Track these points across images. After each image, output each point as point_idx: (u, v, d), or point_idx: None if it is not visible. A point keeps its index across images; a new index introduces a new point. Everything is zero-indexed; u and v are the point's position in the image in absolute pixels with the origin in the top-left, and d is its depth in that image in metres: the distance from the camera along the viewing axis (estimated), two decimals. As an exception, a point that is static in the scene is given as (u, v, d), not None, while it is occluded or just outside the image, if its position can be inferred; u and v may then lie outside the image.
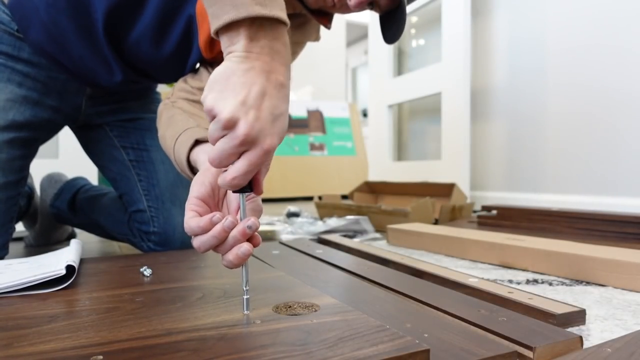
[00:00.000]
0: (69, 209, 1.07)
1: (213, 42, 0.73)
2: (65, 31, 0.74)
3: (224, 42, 0.43)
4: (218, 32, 0.42)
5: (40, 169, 1.38)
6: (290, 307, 0.47)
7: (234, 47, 0.42)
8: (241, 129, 0.39)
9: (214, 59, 0.77)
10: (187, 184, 0.90)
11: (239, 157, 0.41)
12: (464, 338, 0.42)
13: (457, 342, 0.41)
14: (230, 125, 0.39)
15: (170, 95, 0.77)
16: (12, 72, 0.76)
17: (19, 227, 1.23)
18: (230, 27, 0.41)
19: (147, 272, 0.61)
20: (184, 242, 0.86)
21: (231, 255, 0.42)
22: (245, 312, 0.44)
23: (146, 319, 0.42)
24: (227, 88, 0.40)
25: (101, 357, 0.33)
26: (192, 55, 0.76)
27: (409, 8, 2.12)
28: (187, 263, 0.70)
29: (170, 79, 0.84)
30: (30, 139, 0.78)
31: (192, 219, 0.43)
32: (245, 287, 0.44)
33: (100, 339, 0.37)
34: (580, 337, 0.43)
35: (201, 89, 0.75)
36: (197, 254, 0.77)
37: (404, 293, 0.59)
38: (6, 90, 0.75)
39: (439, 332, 0.44)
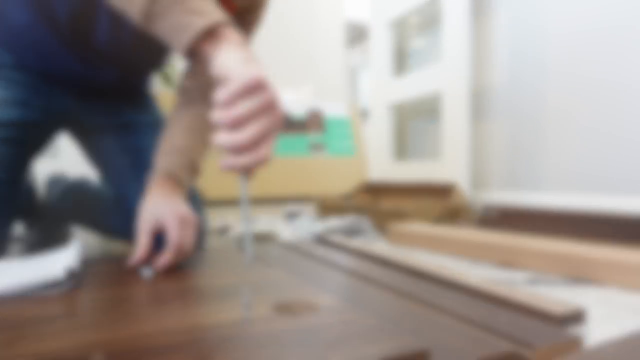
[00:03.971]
0: (71, 209, 1.07)
1: None
2: (47, 46, 0.76)
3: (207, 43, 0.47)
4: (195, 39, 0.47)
5: (40, 168, 1.38)
6: (290, 307, 0.47)
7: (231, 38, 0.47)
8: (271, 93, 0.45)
9: None
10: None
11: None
12: (463, 338, 0.42)
13: (456, 342, 0.41)
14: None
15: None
16: None
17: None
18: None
19: (147, 271, 0.61)
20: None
21: None
22: (245, 312, 0.44)
23: (146, 317, 0.42)
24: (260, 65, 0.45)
25: (100, 356, 0.33)
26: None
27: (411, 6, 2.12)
28: (187, 262, 0.70)
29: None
30: (22, 138, 0.79)
31: None
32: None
33: (100, 339, 0.37)
34: (580, 338, 0.43)
35: None
36: (196, 253, 0.77)
37: (403, 293, 0.59)
38: None
39: (438, 332, 0.44)
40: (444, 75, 1.85)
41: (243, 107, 0.42)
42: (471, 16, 1.85)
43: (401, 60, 2.38)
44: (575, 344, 0.43)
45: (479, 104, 1.91)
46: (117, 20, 0.74)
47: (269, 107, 0.44)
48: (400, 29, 2.40)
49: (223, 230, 1.47)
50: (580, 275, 0.74)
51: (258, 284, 0.55)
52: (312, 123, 3.39)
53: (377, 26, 2.35)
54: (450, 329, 0.44)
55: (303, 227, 1.39)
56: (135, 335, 0.38)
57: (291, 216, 1.62)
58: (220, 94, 0.43)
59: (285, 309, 0.46)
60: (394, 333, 0.38)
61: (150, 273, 0.61)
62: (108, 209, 0.99)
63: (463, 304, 0.54)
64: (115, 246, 1.18)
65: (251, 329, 0.39)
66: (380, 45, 2.32)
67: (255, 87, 0.42)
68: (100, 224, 1.02)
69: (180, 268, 0.66)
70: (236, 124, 0.42)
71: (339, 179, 3.16)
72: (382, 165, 2.32)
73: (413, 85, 2.09)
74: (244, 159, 0.43)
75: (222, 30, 0.47)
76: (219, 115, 0.43)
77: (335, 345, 0.36)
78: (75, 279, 0.55)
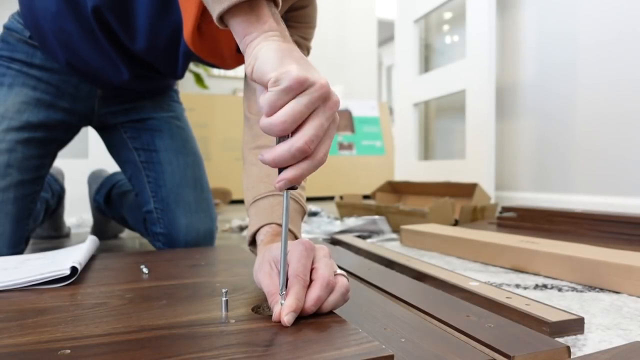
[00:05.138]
0: (104, 203, 1.13)
1: (201, 34, 0.70)
2: (72, 36, 0.76)
3: (240, 23, 0.41)
4: (228, 13, 0.41)
5: (71, 168, 1.45)
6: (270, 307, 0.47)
7: (267, 27, 0.42)
8: (334, 97, 0.40)
9: (204, 53, 0.73)
10: (191, 184, 0.92)
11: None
12: (441, 344, 0.41)
13: (432, 348, 0.40)
14: (328, 93, 0.39)
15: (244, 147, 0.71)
16: (26, 77, 0.80)
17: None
18: (243, 8, 0.41)
19: (145, 269, 0.63)
20: (187, 243, 0.88)
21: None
22: (222, 312, 0.45)
23: (126, 315, 0.44)
24: (299, 61, 0.39)
25: (68, 351, 0.35)
26: (181, 46, 0.76)
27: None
28: (188, 261, 0.71)
29: (168, 70, 0.83)
30: (45, 139, 0.82)
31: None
32: (282, 291, 0.42)
33: (76, 334, 0.38)
34: (568, 347, 0.41)
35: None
36: (201, 252, 0.79)
37: (395, 295, 0.58)
38: (21, 94, 0.79)
39: (418, 337, 0.43)
40: (468, 72, 1.81)
41: (288, 112, 0.37)
42: (496, 11, 1.80)
43: (428, 58, 2.34)
44: (561, 353, 0.41)
45: (505, 102, 1.85)
46: (157, 22, 0.73)
47: (320, 104, 0.39)
48: (426, 25, 2.35)
49: (242, 228, 1.49)
50: (593, 281, 0.70)
51: (247, 284, 0.56)
52: (341, 122, 3.38)
53: (403, 23, 2.31)
54: (431, 334, 0.43)
55: (321, 226, 1.39)
56: (109, 331, 0.39)
57: (311, 215, 1.62)
58: (262, 101, 0.38)
59: (267, 308, 0.46)
60: (362, 337, 0.37)
61: (147, 270, 0.63)
62: (130, 205, 1.03)
63: (453, 309, 0.52)
64: (135, 242, 1.22)
65: (222, 328, 0.40)
66: (406, 42, 2.29)
67: (298, 89, 0.37)
68: (125, 219, 1.07)
69: (183, 265, 0.67)
70: (288, 129, 0.37)
71: (367, 179, 3.14)
72: (408, 164, 2.28)
73: (437, 83, 2.04)
74: (303, 165, 0.39)
75: (261, 8, 0.42)
76: (266, 123, 0.38)
77: (298, 347, 0.35)
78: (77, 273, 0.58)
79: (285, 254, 0.42)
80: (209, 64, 0.79)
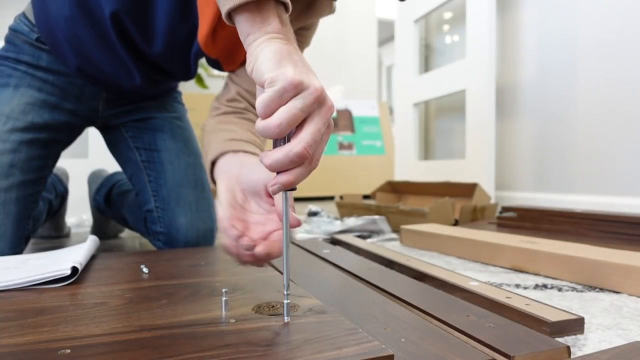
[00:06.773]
0: (104, 203, 1.13)
1: (215, 37, 0.71)
2: (85, 41, 0.77)
3: (245, 22, 0.42)
4: (235, 11, 0.42)
5: (71, 168, 1.45)
6: (273, 306, 0.47)
7: (270, 28, 0.42)
8: (329, 101, 0.40)
9: (216, 55, 0.74)
10: (192, 184, 0.92)
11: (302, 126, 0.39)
12: (441, 344, 0.41)
13: (432, 348, 0.40)
14: (323, 97, 0.39)
15: (204, 125, 0.77)
16: (32, 79, 0.80)
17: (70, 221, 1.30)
18: (249, 7, 0.41)
19: (145, 269, 0.63)
20: (187, 242, 0.88)
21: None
22: (224, 312, 0.45)
23: (127, 315, 0.44)
24: (297, 64, 0.39)
25: (69, 351, 0.35)
26: (193, 47, 0.76)
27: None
28: (188, 261, 0.71)
29: (181, 71, 0.83)
30: (49, 140, 0.82)
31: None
32: (286, 291, 0.42)
33: (76, 334, 0.38)
34: (568, 347, 0.41)
35: (231, 100, 0.76)
36: (201, 252, 0.79)
37: (395, 295, 0.58)
38: (26, 95, 0.79)
39: (418, 336, 0.43)
40: (468, 72, 1.81)
41: (283, 116, 0.37)
42: (496, 11, 1.80)
43: (428, 57, 2.34)
44: (561, 353, 0.41)
45: (506, 102, 1.85)
46: (175, 25, 0.73)
47: (316, 108, 0.39)
48: (426, 25, 2.35)
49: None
50: (593, 281, 0.71)
51: (248, 283, 0.56)
52: (341, 122, 3.39)
53: (403, 23, 2.31)
54: (431, 334, 0.43)
55: (321, 226, 1.39)
56: (109, 331, 0.39)
57: (311, 215, 1.62)
58: (257, 102, 0.38)
59: (268, 308, 0.46)
60: (363, 337, 0.37)
61: (147, 270, 0.63)
62: (130, 204, 1.04)
63: (453, 309, 0.52)
64: (135, 242, 1.22)
65: (222, 328, 0.40)
66: (406, 42, 2.29)
67: (291, 91, 0.37)
68: (125, 219, 1.07)
69: (183, 265, 0.67)
70: (283, 132, 0.37)
71: (367, 179, 3.14)
72: (408, 164, 2.28)
73: (437, 83, 2.04)
74: (298, 171, 0.39)
75: (267, 9, 0.42)
76: (261, 125, 0.38)
77: (298, 347, 0.35)
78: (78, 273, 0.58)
79: (288, 256, 0.42)
80: (216, 66, 0.78)
